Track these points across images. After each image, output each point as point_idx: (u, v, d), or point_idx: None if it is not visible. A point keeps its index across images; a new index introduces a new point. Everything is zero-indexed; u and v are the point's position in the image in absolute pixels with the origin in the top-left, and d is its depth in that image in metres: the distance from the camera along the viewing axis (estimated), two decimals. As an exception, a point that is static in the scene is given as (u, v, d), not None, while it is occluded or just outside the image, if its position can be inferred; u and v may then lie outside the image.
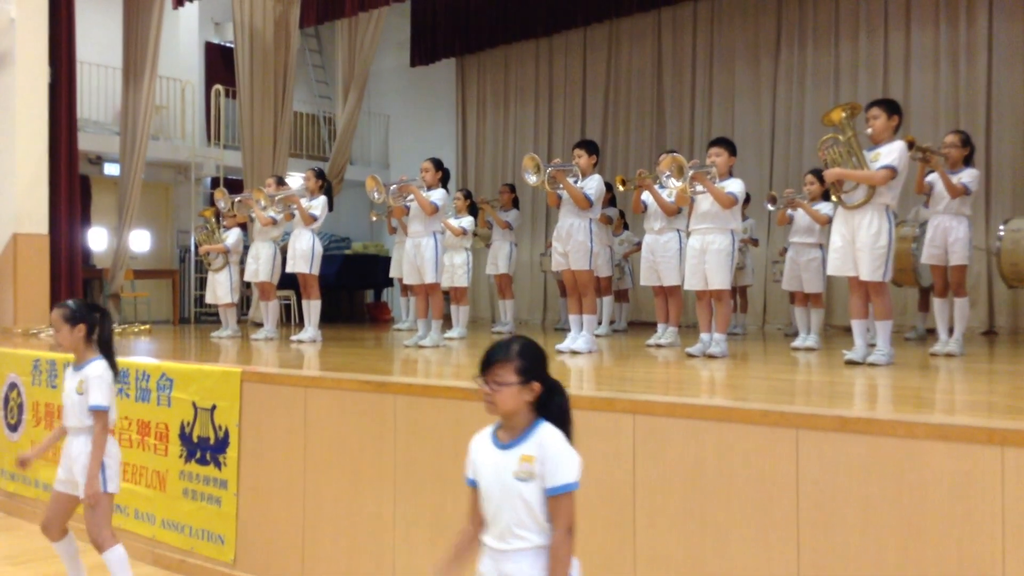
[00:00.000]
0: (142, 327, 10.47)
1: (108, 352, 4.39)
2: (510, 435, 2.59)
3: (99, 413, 4.30)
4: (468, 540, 2.68)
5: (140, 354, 6.79)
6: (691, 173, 6.24)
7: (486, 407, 2.59)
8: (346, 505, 4.60)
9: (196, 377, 5.36)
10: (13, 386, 6.83)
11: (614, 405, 3.69)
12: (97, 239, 13.26)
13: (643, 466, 3.57)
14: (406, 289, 10.66)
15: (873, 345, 5.59)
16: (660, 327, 7.48)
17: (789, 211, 7.72)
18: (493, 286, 11.56)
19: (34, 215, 10.10)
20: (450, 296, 9.52)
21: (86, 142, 11.74)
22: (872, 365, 5.36)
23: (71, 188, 10.76)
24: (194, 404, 5.30)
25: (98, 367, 4.34)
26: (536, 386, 2.57)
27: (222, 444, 5.14)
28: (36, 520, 6.44)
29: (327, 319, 8.53)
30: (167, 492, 5.43)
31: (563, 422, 2.60)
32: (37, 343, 8.10)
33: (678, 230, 7.24)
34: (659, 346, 7.23)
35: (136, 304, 12.66)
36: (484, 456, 2.63)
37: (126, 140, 11.56)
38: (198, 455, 5.26)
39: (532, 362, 2.58)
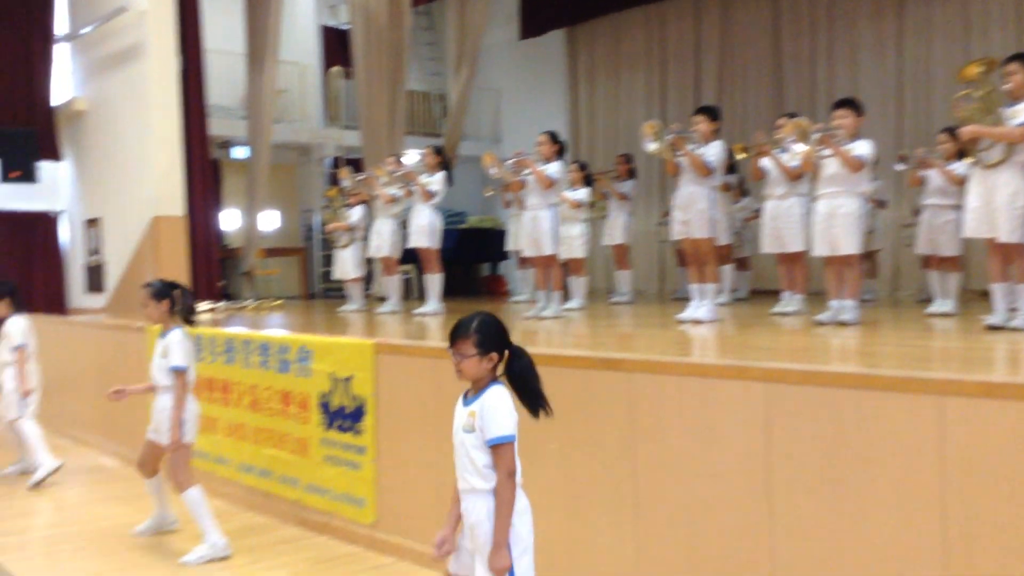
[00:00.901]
0: (275, 302, 10.94)
1: (190, 321, 5.30)
2: (472, 393, 3.09)
3: (179, 373, 5.15)
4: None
5: (276, 328, 7.11)
6: (816, 136, 6.09)
7: (456, 374, 3.07)
8: (480, 472, 4.73)
9: (332, 349, 5.60)
10: (163, 360, 7.26)
11: (745, 373, 3.68)
12: (229, 220, 13.87)
13: (778, 435, 3.56)
14: (524, 262, 10.79)
15: (1015, 309, 5.37)
16: (785, 295, 7.36)
17: (921, 172, 7.46)
18: (610, 257, 11.55)
19: (172, 199, 10.65)
20: (567, 268, 9.58)
21: (215, 127, 12.24)
22: (1015, 330, 5.17)
23: (204, 172, 11.28)
24: (331, 375, 5.55)
25: (178, 334, 5.21)
26: (494, 356, 3.04)
27: (359, 413, 5.36)
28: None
29: (444, 293, 8.73)
30: (309, 458, 5.72)
31: (524, 381, 3.05)
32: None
33: (801, 194, 7.08)
34: (784, 314, 7.12)
35: (268, 281, 13.21)
36: (456, 410, 3.12)
37: (253, 124, 12.02)
38: (337, 423, 5.51)
39: (488, 336, 3.04)
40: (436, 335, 6.49)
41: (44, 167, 12.62)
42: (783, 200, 7.14)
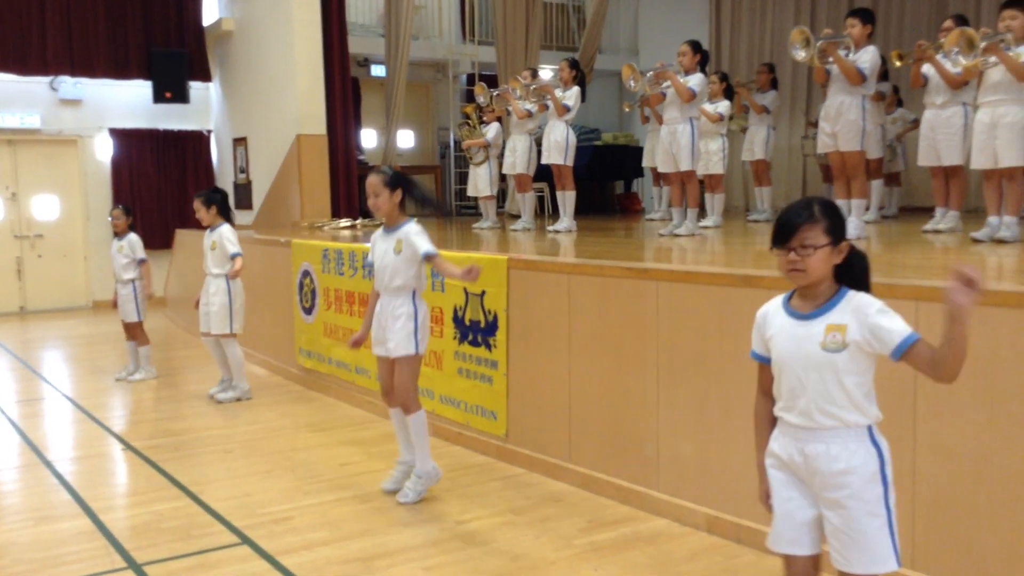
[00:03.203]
0: (410, 219, 11.12)
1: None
2: (812, 304, 2.42)
3: (431, 258, 4.45)
4: (768, 423, 2.57)
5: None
6: (983, 45, 5.60)
7: (790, 277, 2.41)
8: (610, 387, 4.73)
9: (466, 264, 5.63)
10: (306, 274, 7.55)
11: (894, 292, 3.48)
12: (367, 138, 14.14)
13: (926, 355, 3.37)
14: (659, 178, 10.57)
15: None
16: (938, 211, 6.91)
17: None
18: (749, 173, 11.17)
19: (314, 117, 10.91)
20: (704, 184, 9.31)
21: (354, 45, 12.38)
22: None
23: (344, 90, 11.48)
24: (465, 290, 5.61)
25: (416, 225, 4.54)
26: (845, 246, 2.38)
27: (492, 327, 5.42)
28: (331, 393, 7.20)
29: (577, 210, 8.66)
30: (444, 370, 5.85)
31: (866, 288, 2.42)
32: (322, 235, 8.86)
33: (964, 104, 6.57)
34: (937, 231, 6.71)
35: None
36: (779, 328, 2.47)
37: (390, 41, 12.08)
38: (470, 337, 5.60)
39: (838, 222, 2.39)
40: (569, 252, 6.46)
41: (194, 88, 13.12)
42: (943, 109, 6.64)
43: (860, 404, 2.38)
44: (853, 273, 2.41)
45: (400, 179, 4.54)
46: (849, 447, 2.38)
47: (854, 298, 2.38)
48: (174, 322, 11.50)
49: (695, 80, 7.36)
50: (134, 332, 7.95)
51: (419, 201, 4.78)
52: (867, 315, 2.33)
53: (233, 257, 6.87)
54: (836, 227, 2.37)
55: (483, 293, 5.48)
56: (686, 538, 4.13)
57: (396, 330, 4.49)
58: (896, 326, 2.31)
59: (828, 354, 2.35)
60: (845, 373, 2.35)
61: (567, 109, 8.35)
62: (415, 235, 4.48)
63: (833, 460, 2.38)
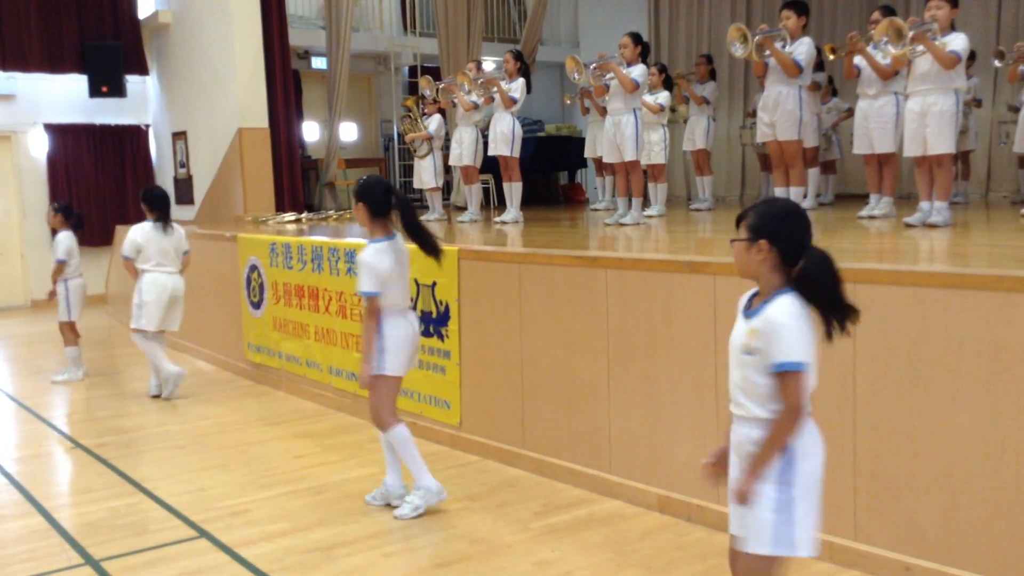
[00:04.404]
0: (356, 213, 11.12)
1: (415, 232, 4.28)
2: (755, 304, 2.50)
3: (368, 299, 4.25)
4: None
5: (358, 237, 7.25)
6: (911, 34, 5.81)
7: None
8: (562, 374, 4.84)
9: (416, 256, 5.64)
10: (254, 268, 7.52)
11: (833, 274, 3.64)
12: (309, 131, 14.03)
13: (864, 334, 3.53)
14: (602, 169, 10.69)
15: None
16: (873, 198, 7.15)
17: (1022, 67, 7.08)
18: (690, 162, 11.37)
19: (255, 110, 10.82)
20: (647, 174, 9.46)
21: (294, 37, 12.27)
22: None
23: (285, 83, 11.39)
24: (416, 281, 5.65)
25: (374, 248, 4.25)
26: (763, 244, 2.40)
27: (444, 317, 5.48)
28: (282, 387, 7.19)
29: (523, 201, 8.74)
30: (396, 362, 5.88)
31: (816, 294, 2.40)
32: (267, 229, 8.81)
33: (895, 93, 6.80)
34: (872, 217, 6.94)
35: (349, 192, 13.38)
36: (736, 321, 2.57)
37: (331, 33, 12.01)
38: (422, 327, 5.63)
39: (764, 219, 2.42)
40: (517, 242, 6.54)
41: (131, 81, 12.88)
42: (875, 99, 6.86)
43: (765, 403, 2.45)
44: (809, 281, 2.40)
45: (364, 191, 4.23)
46: (754, 435, 2.48)
47: (779, 303, 2.41)
48: (116, 319, 11.32)
49: (637, 71, 7.48)
50: (62, 331, 7.78)
51: (408, 230, 4.31)
52: (769, 324, 2.40)
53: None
54: (758, 225, 2.42)
55: (434, 284, 5.53)
56: (639, 518, 4.25)
57: (367, 350, 4.29)
58: (784, 346, 2.38)
59: (745, 355, 2.47)
60: (755, 372, 2.44)
61: (514, 101, 8.41)
62: (360, 263, 4.23)
63: (743, 445, 2.51)
